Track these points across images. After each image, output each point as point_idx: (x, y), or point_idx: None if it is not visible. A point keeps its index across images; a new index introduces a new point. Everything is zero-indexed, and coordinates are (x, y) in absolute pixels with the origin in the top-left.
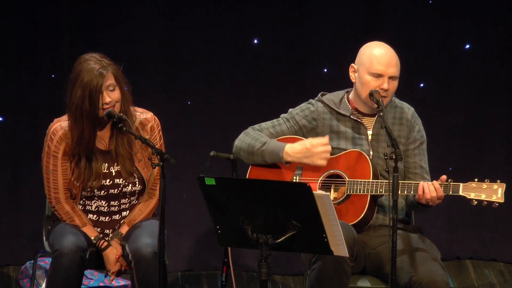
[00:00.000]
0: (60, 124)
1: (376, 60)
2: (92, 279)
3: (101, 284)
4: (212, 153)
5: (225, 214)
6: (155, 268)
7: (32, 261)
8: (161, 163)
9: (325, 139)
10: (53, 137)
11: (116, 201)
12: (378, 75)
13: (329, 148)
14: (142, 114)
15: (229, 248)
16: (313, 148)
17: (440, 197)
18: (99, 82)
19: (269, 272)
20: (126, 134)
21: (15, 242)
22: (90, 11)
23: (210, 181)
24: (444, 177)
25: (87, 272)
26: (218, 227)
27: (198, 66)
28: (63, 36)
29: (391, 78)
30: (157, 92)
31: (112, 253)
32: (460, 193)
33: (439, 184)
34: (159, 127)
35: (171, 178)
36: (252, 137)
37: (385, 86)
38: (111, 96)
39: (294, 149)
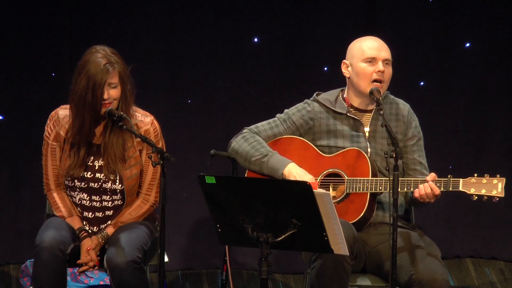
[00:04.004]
0: (58, 110)
1: (367, 47)
2: (92, 277)
3: (102, 283)
4: (212, 152)
5: (226, 212)
6: (132, 276)
7: (32, 260)
8: (161, 162)
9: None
10: (49, 122)
11: (98, 196)
12: (372, 59)
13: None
14: (141, 117)
15: (226, 247)
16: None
17: (436, 195)
18: (103, 78)
19: (269, 270)
20: (122, 134)
21: (15, 241)
22: (90, 11)
23: (210, 179)
24: (432, 174)
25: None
26: (218, 225)
27: (198, 65)
28: (63, 36)
29: (384, 62)
30: (157, 91)
31: (86, 244)
32: (460, 188)
33: (432, 181)
34: (157, 132)
35: (171, 177)
36: (252, 146)
37: (381, 67)
38: (110, 93)
39: (297, 169)
